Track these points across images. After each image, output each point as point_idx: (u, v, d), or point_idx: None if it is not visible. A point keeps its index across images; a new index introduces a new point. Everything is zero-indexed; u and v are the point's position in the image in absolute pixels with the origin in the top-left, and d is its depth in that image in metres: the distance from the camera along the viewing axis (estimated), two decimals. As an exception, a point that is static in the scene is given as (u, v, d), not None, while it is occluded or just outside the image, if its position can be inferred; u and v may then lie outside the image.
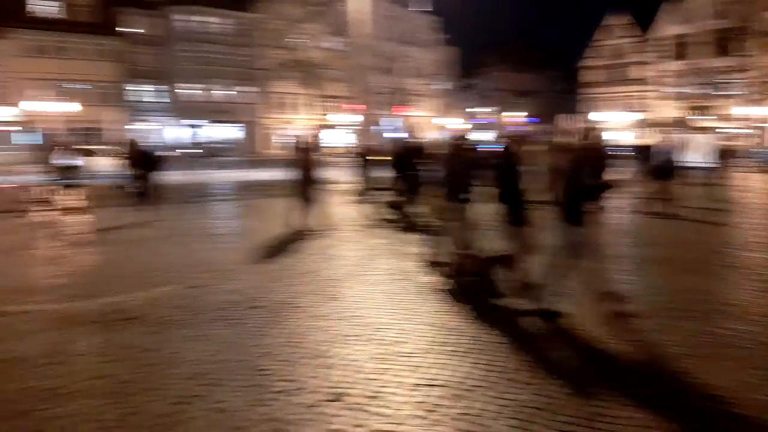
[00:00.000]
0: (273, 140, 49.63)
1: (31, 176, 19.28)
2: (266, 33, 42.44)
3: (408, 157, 11.86)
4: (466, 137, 8.33)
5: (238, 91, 48.18)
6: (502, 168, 6.40)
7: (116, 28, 43.00)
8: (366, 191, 14.10)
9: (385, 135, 41.13)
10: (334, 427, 3.51)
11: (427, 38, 60.70)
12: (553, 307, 5.40)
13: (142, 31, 44.89)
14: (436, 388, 4.00)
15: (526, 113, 63.34)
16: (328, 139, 45.92)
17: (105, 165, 23.16)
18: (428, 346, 4.77)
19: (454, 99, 65.74)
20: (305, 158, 10.76)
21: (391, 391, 3.97)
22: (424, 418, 3.61)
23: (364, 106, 45.09)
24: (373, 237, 10.00)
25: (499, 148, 6.80)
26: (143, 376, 4.26)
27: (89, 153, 22.83)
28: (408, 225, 11.03)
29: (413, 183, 11.63)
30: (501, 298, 6.09)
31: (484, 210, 7.05)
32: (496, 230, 6.60)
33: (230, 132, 48.65)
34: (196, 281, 7.03)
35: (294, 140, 11.61)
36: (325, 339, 4.99)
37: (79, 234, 10.77)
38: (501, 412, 3.68)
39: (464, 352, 4.65)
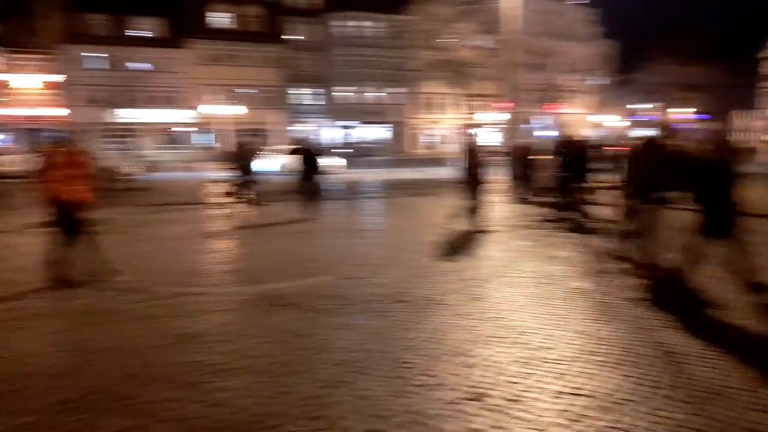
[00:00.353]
0: (420, 140, 50.42)
1: (211, 173, 21.46)
2: (417, 34, 43.14)
3: (577, 156, 11.46)
4: (666, 135, 7.92)
5: (387, 93, 49.59)
6: (711, 169, 5.82)
7: (281, 36, 46.32)
8: (522, 190, 13.81)
9: (536, 133, 39.96)
10: (473, 426, 3.51)
11: (583, 32, 57.78)
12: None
13: (302, 37, 47.95)
14: (582, 398, 3.83)
15: (694, 109, 57.82)
16: (483, 138, 45.55)
17: (275, 164, 25.27)
18: (576, 354, 4.57)
19: (612, 95, 61.90)
20: (472, 158, 10.78)
21: (533, 396, 3.87)
22: (567, 427, 3.48)
23: (513, 104, 44.13)
24: (522, 238, 9.77)
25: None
26: (296, 358, 4.58)
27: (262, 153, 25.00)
28: (567, 226, 10.68)
29: (574, 182, 11.27)
30: (666, 310, 5.66)
31: (678, 214, 6.58)
32: (685, 237, 6.08)
33: (379, 132, 50.24)
34: (347, 273, 7.39)
35: (460, 139, 11.76)
36: (467, 338, 4.99)
37: (248, 227, 11.80)
38: (653, 429, 3.43)
39: (615, 363, 4.39)
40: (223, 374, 4.29)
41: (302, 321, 5.50)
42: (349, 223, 12.10)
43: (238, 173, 14.23)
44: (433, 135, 51.48)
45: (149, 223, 12.45)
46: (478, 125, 49.60)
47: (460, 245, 9.21)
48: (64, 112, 40.30)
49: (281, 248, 9.33)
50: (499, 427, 3.49)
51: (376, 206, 15.77)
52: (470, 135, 12.39)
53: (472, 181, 10.62)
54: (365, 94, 49.29)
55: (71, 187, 6.89)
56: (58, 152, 7.07)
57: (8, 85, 39.99)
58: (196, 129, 43.71)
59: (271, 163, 26.16)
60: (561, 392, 3.91)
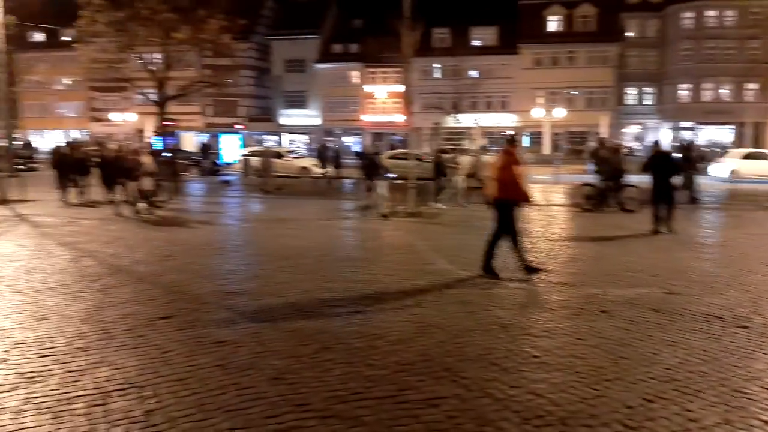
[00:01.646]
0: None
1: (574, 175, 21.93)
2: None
3: None
4: None
5: (738, 89, 42.77)
6: None
7: (616, 34, 44.10)
8: None
9: None
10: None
11: None
12: None
13: (633, 34, 44.81)
14: None
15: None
16: None
17: (724, 169, 24.58)
18: None
19: None
20: None
21: None
22: None
23: None
24: None
25: None
26: (614, 366, 4.43)
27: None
28: None
29: None
30: None
31: None
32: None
33: (720, 134, 43.77)
34: (675, 287, 6.79)
35: None
36: (833, 380, 4.13)
37: (591, 230, 11.72)
38: None
39: None
40: (542, 366, 4.43)
41: (619, 330, 5.28)
42: (682, 235, 10.90)
43: (605, 177, 14.14)
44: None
45: (471, 218, 13.33)
46: None
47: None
48: (407, 118, 45.74)
49: (609, 255, 9.04)
50: None
51: (713, 217, 13.96)
52: None
53: None
54: (708, 91, 43.46)
55: (512, 185, 7.07)
56: (506, 153, 7.32)
57: (370, 95, 47.26)
58: (522, 132, 44.77)
59: (720, 168, 25.10)
60: None
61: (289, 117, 50.36)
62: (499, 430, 3.44)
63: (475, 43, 45.77)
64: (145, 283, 7.16)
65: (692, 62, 43.04)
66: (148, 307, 6.06)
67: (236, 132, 41.38)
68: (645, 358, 4.60)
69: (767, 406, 3.75)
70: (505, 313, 5.85)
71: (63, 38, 48.57)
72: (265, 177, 20.69)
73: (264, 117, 51.27)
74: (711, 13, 43.18)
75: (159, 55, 27.59)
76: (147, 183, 14.41)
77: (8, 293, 6.61)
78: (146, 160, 14.62)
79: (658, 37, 45.08)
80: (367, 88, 47.86)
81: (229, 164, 30.89)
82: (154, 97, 28.17)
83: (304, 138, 49.75)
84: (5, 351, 4.75)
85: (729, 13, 42.69)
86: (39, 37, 49.86)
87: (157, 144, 26.44)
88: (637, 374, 4.27)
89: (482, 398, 3.87)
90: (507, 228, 7.19)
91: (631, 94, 46.06)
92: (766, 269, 7.97)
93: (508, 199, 7.15)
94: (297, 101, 50.34)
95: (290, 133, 49.93)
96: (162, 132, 27.80)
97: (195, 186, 22.68)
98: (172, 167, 18.32)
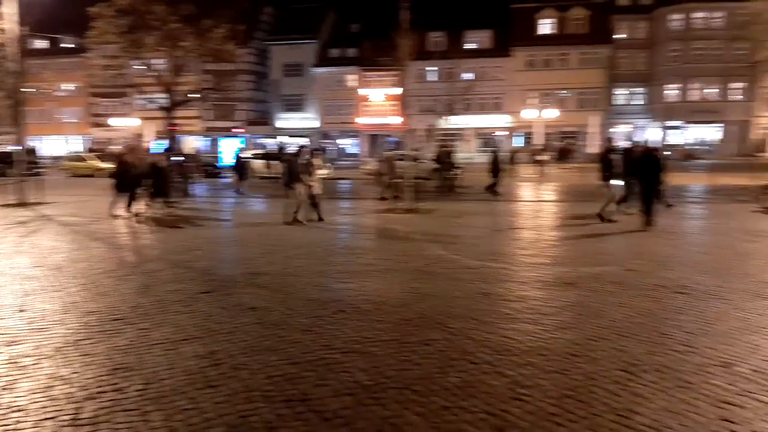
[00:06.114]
0: (769, 142, 43.64)
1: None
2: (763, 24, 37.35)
3: None
4: None
5: (724, 89, 44.15)
6: None
7: (607, 36, 45.39)
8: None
9: None
10: (712, 381, 4.09)
11: None
12: None
13: (625, 36, 46.11)
14: None
15: None
16: None
17: None
18: None
19: None
20: None
21: (787, 375, 4.21)
22: (812, 401, 3.81)
23: None
24: None
25: None
26: (571, 319, 5.62)
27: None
28: None
29: None
30: None
31: None
32: None
33: (708, 133, 45.11)
34: (634, 266, 8.00)
35: None
36: (737, 326, 5.32)
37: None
38: None
39: None
40: (513, 321, 5.61)
41: (581, 297, 6.48)
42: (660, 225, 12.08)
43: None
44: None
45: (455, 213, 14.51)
46: None
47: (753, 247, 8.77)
48: (402, 120, 46.98)
49: (587, 240, 10.25)
50: (744, 395, 4.00)
51: (694, 211, 15.19)
52: None
53: None
54: (695, 91, 44.79)
55: None
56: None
57: (366, 98, 48.50)
58: (514, 133, 46.03)
59: None
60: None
61: (287, 120, 51.52)
62: (476, 358, 4.63)
63: (470, 46, 47.03)
64: (180, 268, 8.32)
65: (680, 63, 44.39)
66: (190, 285, 7.23)
67: (237, 136, 42.56)
68: (596, 314, 5.78)
69: (682, 341, 4.93)
70: (488, 285, 7.03)
71: (63, 45, 49.84)
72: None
73: (262, 120, 52.47)
74: (698, 14, 44.55)
75: (164, 61, 28.76)
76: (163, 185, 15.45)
77: (66, 277, 7.76)
78: (163, 163, 15.60)
79: (647, 38, 46.40)
80: (363, 92, 49.06)
81: (229, 167, 32.18)
82: (160, 102, 29.32)
83: (305, 141, 50.85)
84: (81, 318, 5.90)
85: (716, 14, 44.03)
86: (40, 44, 50.94)
87: (158, 148, 27.59)
88: (587, 324, 5.45)
89: (465, 340, 5.05)
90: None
91: (621, 95, 47.35)
92: (718, 251, 9.17)
93: None
94: (295, 105, 51.53)
95: (290, 136, 51.04)
96: (168, 136, 28.97)
97: (202, 188, 23.85)
98: (184, 170, 19.48)
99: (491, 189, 19.09)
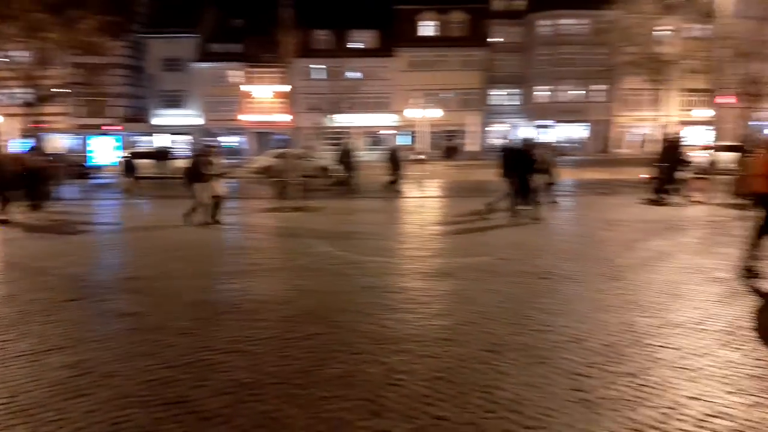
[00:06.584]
0: (626, 139, 48.05)
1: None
2: (623, 30, 41.28)
3: None
4: None
5: (588, 90, 48.07)
6: None
7: (484, 40, 47.73)
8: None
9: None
10: (565, 356, 4.54)
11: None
12: None
13: (502, 39, 48.80)
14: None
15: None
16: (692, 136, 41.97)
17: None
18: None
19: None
20: (671, 154, 10.70)
21: (621, 340, 4.76)
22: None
23: (735, 99, 39.98)
24: (683, 235, 9.98)
25: None
26: (445, 307, 5.95)
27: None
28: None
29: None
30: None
31: None
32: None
33: (575, 131, 48.93)
34: (506, 255, 8.57)
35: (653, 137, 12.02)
36: (590, 306, 5.91)
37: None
38: None
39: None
40: (392, 311, 5.85)
41: (456, 285, 6.87)
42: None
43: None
44: (640, 134, 48.61)
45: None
46: (694, 123, 45.70)
47: (620, 238, 9.77)
48: (289, 118, 46.62)
49: (470, 234, 10.80)
50: (591, 366, 4.48)
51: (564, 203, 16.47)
52: (671, 133, 12.36)
53: (666, 179, 10.70)
54: (564, 92, 48.35)
55: None
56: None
57: (250, 95, 47.50)
58: (400, 131, 47.17)
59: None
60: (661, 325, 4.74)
61: (165, 117, 49.17)
62: (355, 348, 4.80)
63: (355, 45, 47.52)
64: (48, 275, 7.77)
65: (549, 66, 47.66)
66: (57, 293, 6.79)
67: (109, 134, 40.04)
68: (469, 301, 6.17)
69: (541, 322, 5.40)
70: (371, 279, 7.24)
71: None
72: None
73: (139, 117, 49.70)
74: (565, 21, 48.03)
75: (26, 53, 26.46)
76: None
77: None
78: (34, 163, 14.41)
79: (521, 42, 49.34)
80: (247, 88, 47.99)
81: (100, 167, 30.37)
82: (23, 97, 26.93)
83: (188, 138, 48.87)
84: None
85: (582, 21, 47.71)
86: None
87: (22, 147, 25.39)
88: (460, 311, 5.81)
89: (346, 332, 5.21)
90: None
91: (498, 95, 49.96)
92: (580, 239, 10.07)
93: None
94: (174, 101, 49.26)
95: (171, 133, 48.74)
96: (33, 134, 26.70)
97: (71, 189, 22.26)
98: (48, 171, 18.05)
99: (391, 185, 19.37)
